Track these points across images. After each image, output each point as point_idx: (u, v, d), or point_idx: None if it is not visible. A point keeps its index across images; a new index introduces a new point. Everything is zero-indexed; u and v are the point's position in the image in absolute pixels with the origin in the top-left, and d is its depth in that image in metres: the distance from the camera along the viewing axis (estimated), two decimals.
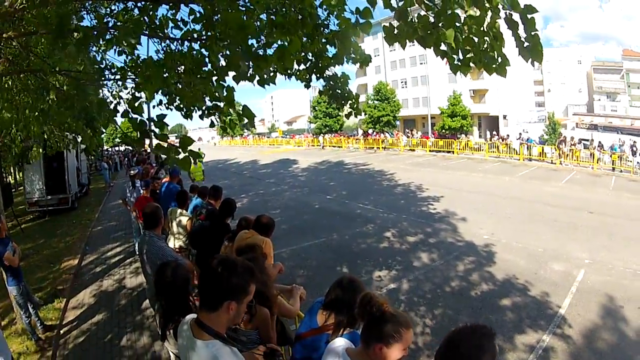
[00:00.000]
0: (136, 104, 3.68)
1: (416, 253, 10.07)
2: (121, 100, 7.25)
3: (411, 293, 7.87)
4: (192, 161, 3.23)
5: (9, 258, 6.23)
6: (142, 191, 9.76)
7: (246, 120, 3.72)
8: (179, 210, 7.33)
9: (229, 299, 2.12)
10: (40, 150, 10.88)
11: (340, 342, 2.71)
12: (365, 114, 52.17)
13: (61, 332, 7.03)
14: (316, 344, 3.04)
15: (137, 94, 4.32)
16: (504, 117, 51.63)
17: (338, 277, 3.26)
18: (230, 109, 4.06)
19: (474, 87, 52.88)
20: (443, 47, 3.52)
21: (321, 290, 3.22)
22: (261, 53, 3.60)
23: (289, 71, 5.43)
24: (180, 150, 3.19)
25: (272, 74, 4.48)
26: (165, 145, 3.27)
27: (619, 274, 8.65)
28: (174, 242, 7.02)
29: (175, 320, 3.20)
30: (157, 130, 3.34)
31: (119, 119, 4.94)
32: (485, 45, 3.51)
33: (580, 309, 7.06)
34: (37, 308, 7.18)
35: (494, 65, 3.57)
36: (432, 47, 3.47)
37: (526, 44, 3.17)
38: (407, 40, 3.42)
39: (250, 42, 3.60)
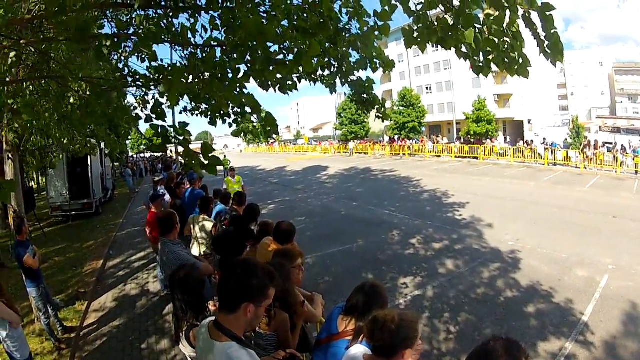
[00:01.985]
0: (159, 110, 3.71)
1: (441, 260, 9.99)
2: (146, 108, 7.37)
3: (435, 300, 7.80)
4: (215, 167, 3.24)
5: (29, 261, 6.34)
6: (167, 198, 9.87)
7: (269, 128, 3.72)
8: (202, 216, 7.35)
9: (247, 300, 2.15)
10: (61, 155, 11.06)
11: (358, 349, 2.70)
12: (390, 120, 51.91)
13: (81, 334, 7.14)
14: (335, 350, 2.99)
15: (160, 100, 4.36)
16: (529, 121, 51.10)
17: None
18: (254, 116, 4.08)
19: (498, 92, 52.43)
20: (464, 49, 3.50)
21: (345, 297, 3.20)
22: (281, 58, 3.62)
23: (312, 76, 5.46)
24: (202, 156, 3.21)
25: (293, 80, 4.50)
26: (188, 151, 3.29)
27: None
28: (199, 248, 7.06)
29: (189, 323, 3.24)
30: (179, 136, 3.37)
31: (143, 126, 5.02)
32: (506, 46, 3.47)
33: (603, 316, 6.92)
34: (57, 310, 7.30)
35: (515, 67, 3.53)
36: (453, 49, 3.45)
37: (546, 42, 3.13)
38: (427, 43, 3.40)
39: (272, 48, 3.63)
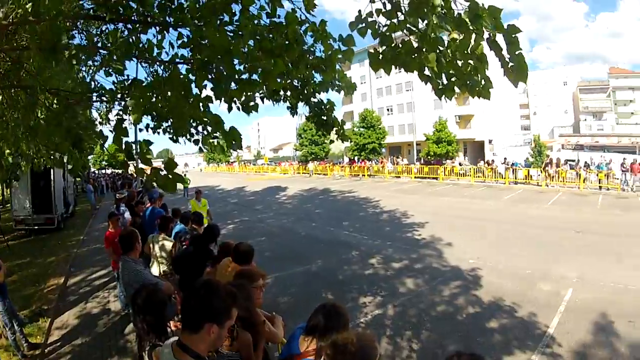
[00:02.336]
0: (122, 127, 3.67)
1: (401, 279, 10.02)
2: (109, 123, 7.28)
3: (396, 318, 7.82)
4: (175, 184, 3.22)
5: None
6: (127, 215, 9.75)
7: (234, 142, 3.72)
8: (161, 235, 7.27)
9: (210, 321, 2.18)
10: (27, 167, 10.80)
11: None
12: (350, 142, 52.61)
13: (45, 351, 6.98)
14: None
15: (124, 116, 4.31)
16: (490, 141, 52.16)
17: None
18: (218, 132, 4.07)
19: (460, 113, 53.61)
20: (427, 72, 3.57)
21: (305, 318, 3.20)
22: (246, 77, 3.63)
23: (275, 96, 5.49)
24: (164, 171, 3.18)
25: (255, 101, 4.52)
26: (148, 170, 3.26)
27: (609, 290, 8.69)
28: (159, 268, 6.98)
29: (151, 343, 3.20)
30: (142, 153, 3.34)
31: (106, 142, 4.94)
32: (469, 69, 3.55)
33: (569, 327, 7.05)
34: (22, 325, 7.16)
35: (477, 89, 3.61)
36: (416, 72, 3.51)
37: (510, 64, 3.19)
38: (392, 66, 3.46)
39: (237, 67, 3.64)
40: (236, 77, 3.58)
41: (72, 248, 14.85)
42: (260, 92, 4.51)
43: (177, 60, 4.55)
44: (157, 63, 5.04)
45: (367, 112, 54.49)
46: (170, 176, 3.11)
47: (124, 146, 3.37)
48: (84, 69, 6.87)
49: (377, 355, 2.45)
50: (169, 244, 7.09)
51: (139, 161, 3.41)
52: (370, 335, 2.54)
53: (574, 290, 8.69)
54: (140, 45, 4.61)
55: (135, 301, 3.34)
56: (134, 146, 3.39)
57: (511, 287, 9.09)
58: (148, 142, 3.31)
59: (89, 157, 53.71)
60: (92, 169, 66.35)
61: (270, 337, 3.70)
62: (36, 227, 17.39)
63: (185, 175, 32.52)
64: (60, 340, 7.40)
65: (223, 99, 3.78)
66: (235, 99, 4.13)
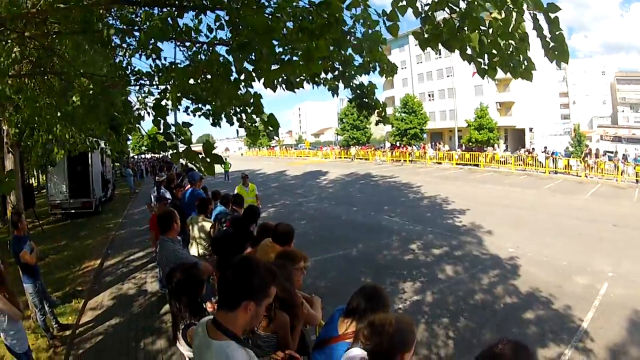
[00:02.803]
0: (160, 107, 3.68)
1: (441, 265, 9.96)
2: (146, 107, 7.34)
3: (434, 305, 7.77)
4: (214, 166, 3.20)
5: (26, 257, 6.32)
6: (167, 195, 9.87)
7: (271, 129, 3.70)
8: (200, 217, 7.33)
9: (248, 298, 2.08)
10: (62, 152, 11.03)
11: (356, 352, 2.65)
12: (392, 127, 52.20)
13: (76, 331, 7.09)
14: (335, 352, 2.94)
15: (162, 99, 4.33)
16: (530, 129, 51.09)
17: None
18: (257, 116, 4.05)
19: (501, 100, 52.42)
20: (469, 51, 3.48)
21: (344, 301, 3.17)
22: (287, 59, 3.59)
23: (315, 79, 5.45)
24: (203, 155, 3.17)
25: (299, 79, 4.48)
26: (188, 150, 3.26)
27: None
28: (197, 249, 7.04)
29: (186, 322, 3.20)
30: (181, 135, 3.35)
31: (146, 126, 4.97)
32: (511, 49, 3.47)
33: (603, 322, 6.89)
34: (53, 307, 7.29)
35: (519, 69, 3.53)
36: (458, 52, 3.44)
37: (551, 44, 3.11)
38: (438, 44, 3.39)
39: (277, 49, 3.60)
40: (276, 58, 3.53)
41: (109, 231, 15.14)
42: (301, 74, 4.45)
43: (216, 42, 4.52)
44: (196, 46, 5.05)
45: (408, 97, 53.41)
46: (208, 159, 3.10)
47: (162, 127, 3.37)
48: (120, 53, 6.94)
49: (414, 339, 2.42)
50: (208, 225, 7.16)
51: (179, 144, 3.42)
52: (408, 319, 2.51)
53: (609, 285, 8.48)
54: (178, 29, 4.62)
55: (171, 279, 3.34)
56: (173, 127, 3.40)
57: (548, 278, 8.93)
58: (187, 124, 3.32)
59: (128, 142, 54.65)
60: (132, 154, 67.80)
61: (308, 319, 3.66)
62: (73, 211, 17.80)
63: (226, 159, 32.78)
64: (94, 321, 7.52)
65: (263, 80, 3.75)
66: (276, 82, 4.10)
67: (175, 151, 3.29)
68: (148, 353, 6.30)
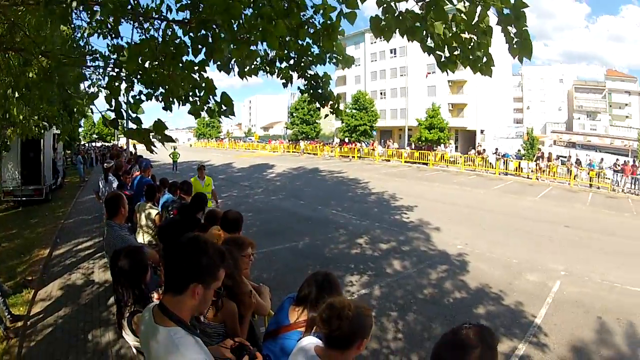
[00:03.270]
0: (114, 86, 3.53)
1: (388, 260, 10.00)
2: (101, 88, 7.10)
3: (383, 299, 7.79)
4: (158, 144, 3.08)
5: None
6: (115, 185, 9.60)
7: (225, 107, 3.60)
8: (147, 204, 7.17)
9: (195, 281, 1.94)
10: (15, 135, 10.55)
11: (310, 340, 2.58)
12: (342, 123, 52.41)
13: (28, 323, 6.83)
14: (287, 342, 2.87)
15: (116, 79, 4.17)
16: (482, 131, 52.16)
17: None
18: (210, 96, 3.94)
19: (453, 101, 53.52)
20: (430, 42, 3.49)
21: (291, 292, 3.11)
22: (244, 37, 3.50)
23: (271, 66, 5.37)
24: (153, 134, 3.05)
25: (253, 65, 4.40)
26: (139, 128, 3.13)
27: (596, 286, 8.72)
28: (143, 237, 6.87)
29: (131, 309, 3.05)
30: (132, 113, 3.21)
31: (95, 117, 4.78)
32: (472, 43, 3.50)
33: (556, 319, 7.05)
34: (5, 297, 6.99)
35: (479, 64, 3.55)
36: (418, 42, 3.43)
37: (515, 39, 3.15)
38: (393, 33, 3.36)
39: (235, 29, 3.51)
40: (234, 38, 3.44)
41: (59, 219, 14.65)
42: (258, 58, 4.36)
43: (174, 19, 4.37)
44: (154, 27, 4.89)
45: (360, 94, 53.61)
46: (159, 137, 2.98)
47: (114, 104, 3.23)
48: (78, 34, 6.70)
49: (372, 325, 2.36)
50: (154, 212, 7.00)
51: (129, 122, 3.28)
52: (366, 304, 2.44)
53: (562, 283, 8.70)
54: (139, 9, 4.45)
55: (115, 262, 3.16)
56: (124, 105, 3.26)
57: (498, 275, 9.10)
58: (139, 100, 3.18)
59: (80, 129, 53.20)
60: (82, 142, 66.01)
61: (257, 309, 3.52)
62: (24, 199, 17.20)
63: (174, 149, 32.26)
64: (43, 312, 7.25)
65: (218, 63, 3.65)
66: (231, 65, 4.01)
67: (127, 129, 3.16)
68: (97, 344, 6.09)
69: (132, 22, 4.55)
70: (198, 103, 4.18)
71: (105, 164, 12.14)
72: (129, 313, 3.04)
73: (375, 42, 60.02)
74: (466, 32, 3.40)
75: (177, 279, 1.99)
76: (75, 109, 7.30)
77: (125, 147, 25.26)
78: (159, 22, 4.61)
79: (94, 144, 69.31)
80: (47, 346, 6.16)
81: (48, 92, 5.65)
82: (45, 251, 10.57)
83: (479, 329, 1.81)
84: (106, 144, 63.26)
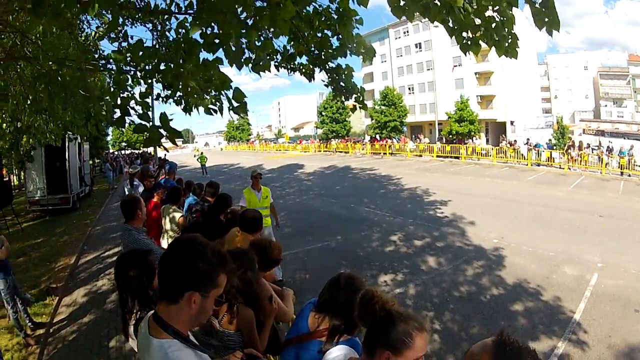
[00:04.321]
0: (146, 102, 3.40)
1: (423, 257, 9.75)
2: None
3: (418, 298, 7.54)
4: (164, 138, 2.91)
5: None
6: (140, 190, 9.56)
7: (237, 104, 3.42)
8: (172, 207, 7.07)
9: (192, 288, 1.73)
10: (31, 141, 10.57)
11: (339, 352, 2.34)
12: (372, 120, 52.04)
13: (51, 330, 6.83)
14: (306, 353, 2.61)
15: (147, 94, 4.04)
16: (512, 123, 51.29)
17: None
18: (223, 90, 3.76)
19: (481, 93, 52.54)
20: (451, 23, 3.28)
21: None
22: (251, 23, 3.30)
23: (290, 65, 5.21)
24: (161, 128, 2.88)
25: (267, 58, 4.23)
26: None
27: (632, 277, 8.31)
28: (168, 241, 6.77)
29: (137, 316, 2.80)
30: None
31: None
32: (496, 21, 3.32)
33: (595, 314, 6.71)
34: (27, 304, 6.98)
35: (504, 44, 3.36)
36: (439, 22, 3.21)
37: (541, 9, 2.96)
38: (414, 13, 3.13)
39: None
40: (240, 23, 3.25)
41: (86, 227, 14.76)
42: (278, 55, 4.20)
43: (179, 12, 4.22)
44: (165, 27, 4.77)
45: (388, 90, 53.06)
46: (164, 131, 2.81)
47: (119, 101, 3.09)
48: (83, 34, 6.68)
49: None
50: (178, 215, 6.90)
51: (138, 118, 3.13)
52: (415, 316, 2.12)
53: (599, 276, 8.34)
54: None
55: (120, 265, 2.94)
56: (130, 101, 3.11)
57: (535, 269, 8.77)
58: (145, 94, 3.03)
59: (108, 138, 54.08)
60: (111, 150, 67.36)
61: (279, 315, 3.26)
62: (51, 208, 17.35)
63: (202, 153, 32.52)
64: (67, 319, 7.26)
65: (230, 57, 3.47)
66: (247, 60, 3.85)
67: (138, 123, 3.01)
68: (120, 352, 6.00)
69: (135, 19, 4.44)
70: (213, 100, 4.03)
71: (131, 169, 12.13)
72: (134, 320, 2.83)
73: (399, 38, 59.75)
74: (489, 8, 3.17)
75: (171, 287, 1.77)
76: (100, 117, 7.20)
77: (153, 153, 25.48)
78: (164, 19, 4.50)
79: (122, 151, 70.53)
80: (69, 353, 6.14)
81: (70, 101, 5.57)
82: (71, 259, 10.63)
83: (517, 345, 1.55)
84: (135, 151, 64.21)
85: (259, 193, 8.40)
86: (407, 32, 59.03)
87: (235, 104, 3.45)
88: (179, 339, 1.75)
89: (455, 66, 52.53)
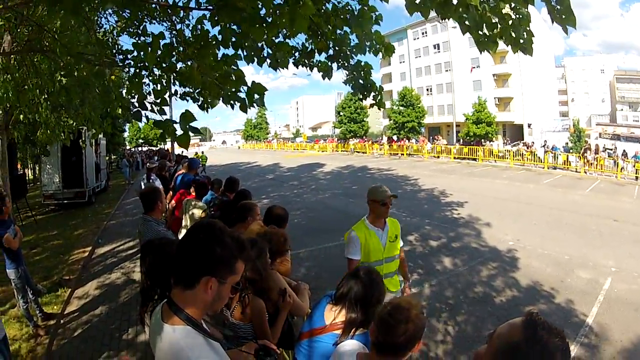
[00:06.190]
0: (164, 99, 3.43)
1: (439, 257, 9.74)
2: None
3: (433, 298, 7.51)
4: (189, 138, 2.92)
5: (9, 240, 6.07)
6: (158, 184, 9.64)
7: (257, 96, 3.43)
8: (193, 202, 7.09)
9: (208, 273, 1.67)
10: (47, 133, 10.69)
11: (351, 345, 2.35)
12: (390, 120, 51.99)
13: (61, 321, 6.87)
14: (321, 345, 2.61)
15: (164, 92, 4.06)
16: (529, 125, 50.97)
17: None
18: (240, 86, 3.77)
19: (499, 95, 52.44)
20: (467, 22, 3.28)
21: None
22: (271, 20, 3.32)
23: (308, 61, 5.23)
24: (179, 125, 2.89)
25: (284, 56, 4.25)
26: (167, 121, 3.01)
27: None
28: None
29: (155, 300, 2.82)
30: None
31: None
32: (512, 21, 3.34)
33: (607, 318, 6.64)
34: (37, 295, 7.06)
35: (521, 41, 3.39)
36: (455, 20, 3.22)
37: (557, 7, 2.97)
38: (429, 10, 3.14)
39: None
40: (260, 20, 3.26)
41: (101, 220, 14.89)
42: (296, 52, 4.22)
43: (198, 8, 4.24)
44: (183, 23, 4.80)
45: (406, 90, 53.09)
46: (182, 130, 2.82)
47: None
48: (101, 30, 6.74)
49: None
50: (198, 213, 6.87)
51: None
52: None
53: (613, 280, 8.24)
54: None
55: (145, 252, 2.93)
56: (147, 96, 3.14)
57: (549, 272, 8.71)
58: (162, 92, 3.05)
59: (125, 134, 54.52)
60: (128, 147, 67.88)
61: (294, 309, 3.22)
62: (66, 201, 17.54)
63: (202, 152, 32.69)
64: (79, 311, 7.30)
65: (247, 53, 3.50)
66: (263, 58, 3.88)
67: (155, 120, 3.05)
68: (131, 344, 6.05)
69: (152, 16, 4.47)
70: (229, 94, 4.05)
71: (149, 164, 12.22)
72: (152, 306, 2.84)
73: (418, 38, 59.81)
74: (506, 5, 3.18)
75: (187, 271, 1.72)
76: (116, 113, 7.23)
77: (171, 150, 25.58)
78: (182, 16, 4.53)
79: (139, 148, 71.10)
80: (80, 344, 6.17)
81: (87, 96, 5.63)
82: (85, 251, 10.72)
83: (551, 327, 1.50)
84: (153, 148, 64.61)
85: (383, 232, 4.97)
86: (426, 32, 59.02)
87: (256, 96, 3.45)
88: (191, 325, 1.69)
89: (473, 68, 52.38)
